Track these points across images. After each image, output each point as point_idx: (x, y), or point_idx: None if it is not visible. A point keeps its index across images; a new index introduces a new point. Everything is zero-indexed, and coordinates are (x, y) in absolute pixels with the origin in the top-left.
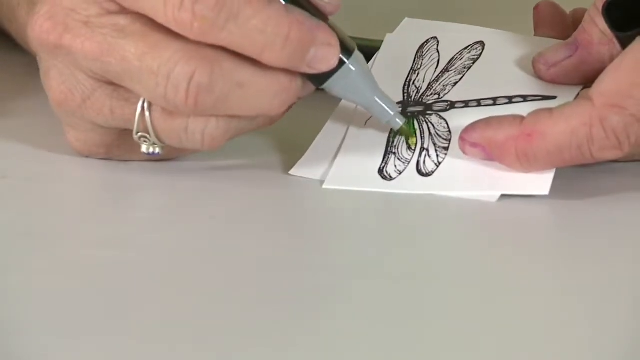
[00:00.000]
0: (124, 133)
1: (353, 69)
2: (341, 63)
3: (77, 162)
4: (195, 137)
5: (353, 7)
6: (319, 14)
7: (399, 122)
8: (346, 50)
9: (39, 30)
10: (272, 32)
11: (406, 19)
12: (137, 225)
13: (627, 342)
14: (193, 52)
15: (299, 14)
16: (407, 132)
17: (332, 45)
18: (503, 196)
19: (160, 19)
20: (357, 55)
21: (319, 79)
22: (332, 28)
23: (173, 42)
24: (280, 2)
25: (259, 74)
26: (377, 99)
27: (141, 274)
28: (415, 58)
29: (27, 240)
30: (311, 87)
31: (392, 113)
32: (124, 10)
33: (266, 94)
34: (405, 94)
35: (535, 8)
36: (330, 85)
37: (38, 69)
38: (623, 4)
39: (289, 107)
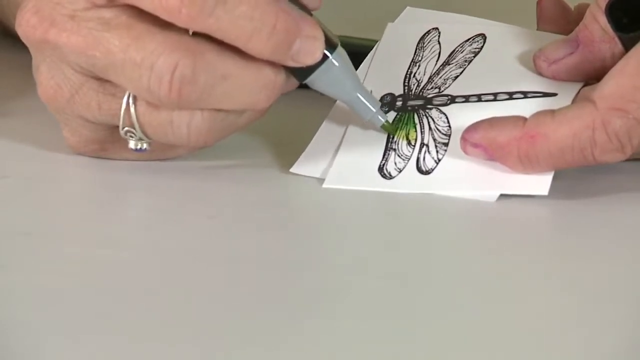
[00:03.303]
0: (116, 129)
1: (336, 64)
2: (324, 58)
3: (76, 162)
4: (180, 131)
5: (351, 4)
6: (303, 9)
7: (381, 119)
8: (329, 45)
9: (25, 25)
10: (260, 20)
11: (408, 7)
12: (136, 224)
13: (627, 342)
14: (177, 43)
15: (285, 3)
16: (390, 129)
17: (317, 39)
18: (502, 196)
19: (148, 7)
20: (340, 50)
21: (302, 73)
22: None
23: (157, 33)
24: None
25: (243, 66)
26: (359, 95)
27: (140, 274)
28: (416, 49)
29: (27, 240)
30: (295, 82)
31: (374, 110)
32: (110, 4)
33: (251, 87)
34: (406, 87)
35: (539, 3)
36: (312, 79)
37: None
38: (625, 5)
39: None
